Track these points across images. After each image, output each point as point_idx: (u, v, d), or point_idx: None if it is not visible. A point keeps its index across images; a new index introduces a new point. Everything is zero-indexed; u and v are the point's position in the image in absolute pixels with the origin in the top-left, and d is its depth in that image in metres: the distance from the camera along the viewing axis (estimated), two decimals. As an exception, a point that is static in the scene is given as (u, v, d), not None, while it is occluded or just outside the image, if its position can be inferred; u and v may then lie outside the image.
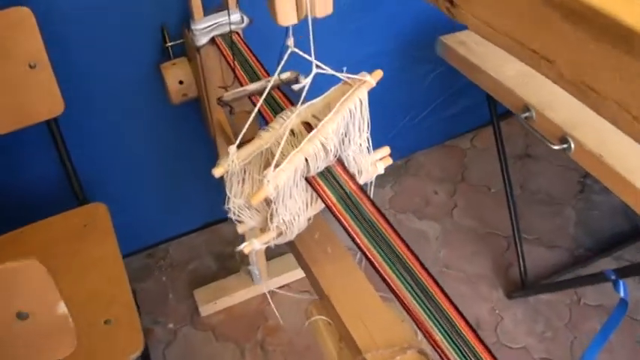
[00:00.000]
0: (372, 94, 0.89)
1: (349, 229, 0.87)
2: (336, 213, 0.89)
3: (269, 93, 1.05)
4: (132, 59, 1.41)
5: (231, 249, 1.94)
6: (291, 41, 0.81)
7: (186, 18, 1.28)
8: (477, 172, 2.23)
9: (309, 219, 0.94)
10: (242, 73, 1.10)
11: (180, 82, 1.32)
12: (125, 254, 1.28)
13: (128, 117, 1.52)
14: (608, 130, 1.25)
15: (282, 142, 0.85)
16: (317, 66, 0.82)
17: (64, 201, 1.38)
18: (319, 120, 0.90)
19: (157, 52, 1.40)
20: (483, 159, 2.28)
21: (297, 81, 1.05)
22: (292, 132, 0.90)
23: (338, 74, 0.88)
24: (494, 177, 2.17)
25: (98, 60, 1.37)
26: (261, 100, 0.92)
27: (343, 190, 0.90)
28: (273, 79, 1.04)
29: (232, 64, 1.08)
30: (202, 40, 1.20)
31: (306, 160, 0.83)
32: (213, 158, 1.52)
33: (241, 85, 1.08)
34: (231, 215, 0.93)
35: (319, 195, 0.89)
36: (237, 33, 1.22)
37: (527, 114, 1.32)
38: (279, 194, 0.82)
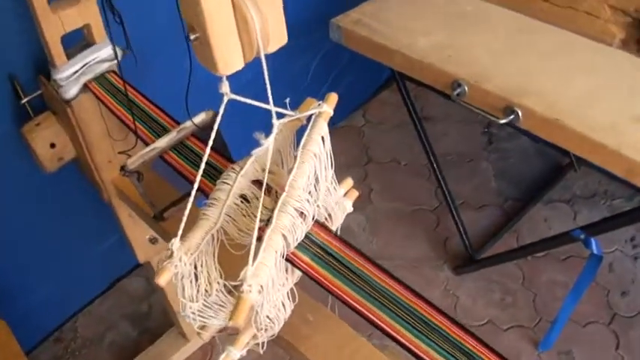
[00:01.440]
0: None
1: (332, 287, 0.68)
2: (316, 276, 0.69)
3: (185, 146, 0.82)
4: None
5: (146, 305, 1.68)
6: (226, 86, 0.60)
7: (41, 64, 0.99)
8: (381, 149, 2.10)
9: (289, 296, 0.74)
10: (143, 128, 0.85)
11: (52, 146, 1.04)
12: (31, 348, 0.99)
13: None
14: (555, 90, 1.18)
15: (243, 219, 0.64)
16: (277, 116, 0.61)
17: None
18: (274, 174, 0.70)
19: (12, 113, 1.09)
20: (382, 133, 2.16)
21: (212, 123, 0.83)
22: (244, 198, 0.69)
23: (287, 112, 0.68)
24: (399, 149, 2.07)
25: None
26: (200, 173, 0.68)
27: (317, 245, 0.71)
28: (187, 127, 0.82)
29: (133, 125, 0.83)
30: (72, 90, 0.94)
31: (284, 236, 0.62)
32: (104, 215, 1.26)
33: (145, 144, 0.84)
34: (189, 321, 0.70)
35: (294, 264, 0.69)
36: (114, 72, 0.96)
37: (458, 90, 1.19)
38: (263, 294, 0.62)
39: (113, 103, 0.91)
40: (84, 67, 0.94)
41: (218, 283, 0.68)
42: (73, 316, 1.64)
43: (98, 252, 1.54)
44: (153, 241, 1.24)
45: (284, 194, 0.63)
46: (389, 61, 1.31)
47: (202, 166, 0.65)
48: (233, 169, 0.70)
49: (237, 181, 0.68)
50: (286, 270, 0.71)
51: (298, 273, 0.73)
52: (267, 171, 0.67)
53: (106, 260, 1.57)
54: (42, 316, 1.52)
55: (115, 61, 0.96)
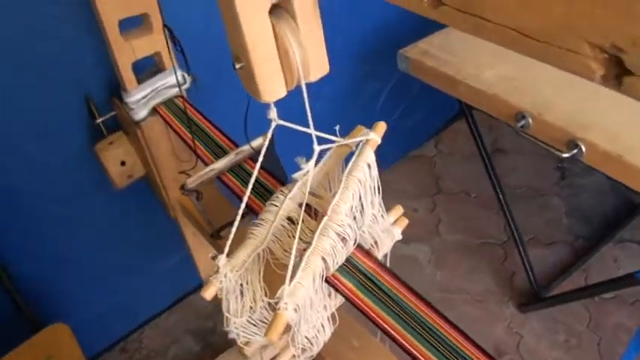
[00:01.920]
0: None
1: (374, 315, 0.68)
2: (358, 302, 0.70)
3: (242, 168, 0.86)
4: (57, 147, 1.17)
5: (211, 322, 1.72)
6: (273, 113, 0.62)
7: (114, 86, 1.06)
8: (451, 179, 2.08)
9: (329, 318, 0.75)
10: (203, 149, 0.89)
11: (123, 164, 1.11)
12: (96, 354, 1.04)
13: (70, 213, 1.28)
14: (618, 124, 1.14)
15: (290, 241, 0.66)
16: (317, 137, 0.63)
17: (13, 330, 1.13)
18: (321, 197, 0.71)
19: (87, 132, 1.17)
20: (454, 163, 2.14)
21: (271, 148, 0.86)
22: (291, 220, 0.71)
23: (334, 138, 0.69)
24: (470, 181, 2.04)
25: (19, 155, 1.14)
26: (248, 191, 0.71)
27: (362, 272, 0.72)
28: (245, 150, 0.85)
29: (192, 144, 0.87)
30: (141, 112, 1.00)
31: (324, 259, 0.64)
32: (175, 233, 1.31)
33: (205, 164, 0.88)
34: (233, 336, 0.73)
35: (337, 289, 0.70)
36: (182, 97, 1.02)
37: (522, 122, 1.17)
38: (300, 313, 0.63)
39: (178, 124, 0.96)
40: (153, 92, 0.99)
41: (262, 300, 0.70)
42: (139, 328, 1.70)
43: (166, 267, 1.60)
44: (215, 258, 1.28)
45: (325, 218, 0.65)
46: (454, 91, 1.30)
47: (250, 186, 0.68)
48: (282, 191, 0.72)
49: (285, 203, 0.70)
50: (329, 294, 0.73)
51: (341, 298, 0.74)
52: (306, 193, 0.69)
53: (175, 275, 1.63)
54: (108, 324, 1.59)
55: (185, 86, 1.01)
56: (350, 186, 0.67)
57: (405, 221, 0.82)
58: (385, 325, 0.67)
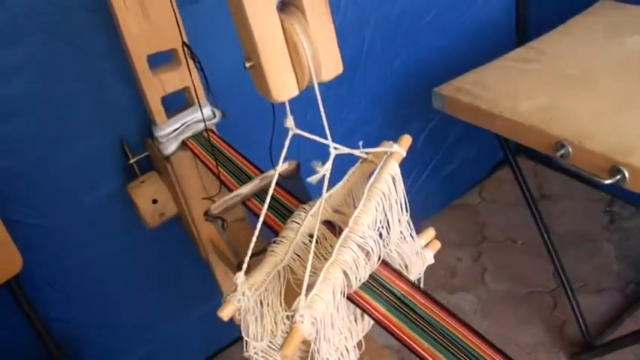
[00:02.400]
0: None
1: (408, 340, 0.64)
2: (390, 326, 0.66)
3: (265, 191, 0.84)
4: (91, 188, 1.19)
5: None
6: (290, 121, 0.61)
7: (147, 126, 1.08)
8: (496, 227, 2.02)
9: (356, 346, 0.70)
10: (228, 176, 0.88)
11: (154, 202, 1.11)
12: None
13: (103, 255, 1.28)
14: None
15: (309, 256, 0.63)
16: (335, 147, 0.61)
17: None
18: (344, 214, 0.69)
19: (121, 172, 1.18)
20: (498, 211, 2.08)
21: (297, 173, 0.84)
22: (312, 237, 0.68)
23: (356, 152, 0.67)
24: (516, 228, 1.97)
25: (53, 197, 1.15)
26: (265, 207, 0.69)
27: (393, 294, 0.68)
28: (270, 175, 0.84)
29: (216, 169, 0.86)
30: (171, 146, 1.00)
31: (345, 273, 0.61)
32: (208, 280, 1.29)
33: (229, 191, 0.86)
34: (254, 363, 0.69)
35: (365, 311, 0.66)
36: (212, 130, 1.02)
37: (562, 151, 1.13)
38: (319, 330, 0.59)
39: (204, 154, 0.95)
40: (183, 126, 1.00)
41: (284, 323, 0.67)
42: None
43: (200, 317, 1.57)
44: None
45: (346, 229, 0.62)
46: (490, 125, 1.27)
47: (268, 199, 0.65)
48: (304, 208, 0.70)
49: (307, 220, 0.68)
50: (355, 319, 0.69)
51: (367, 323, 0.70)
52: (321, 205, 0.66)
53: (209, 324, 1.59)
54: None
55: (214, 121, 1.02)
56: (373, 197, 0.64)
57: (438, 244, 0.78)
58: (420, 350, 0.63)
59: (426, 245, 0.77)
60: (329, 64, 0.54)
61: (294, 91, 0.54)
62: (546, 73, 1.37)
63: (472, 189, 2.19)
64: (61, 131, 1.10)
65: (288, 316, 0.65)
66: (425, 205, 2.01)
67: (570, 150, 1.11)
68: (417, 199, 1.92)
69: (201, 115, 1.00)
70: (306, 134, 0.62)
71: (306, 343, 0.61)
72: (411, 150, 0.66)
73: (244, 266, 0.65)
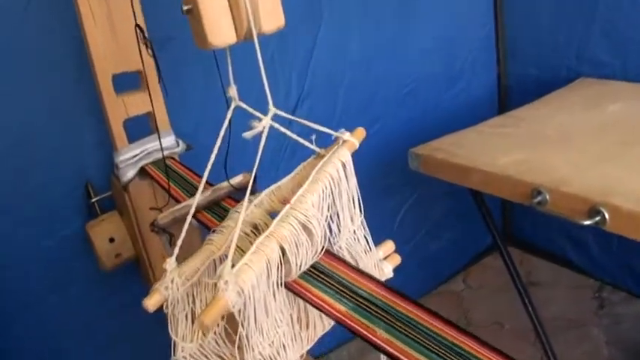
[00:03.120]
0: None
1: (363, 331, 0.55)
2: (358, 329, 0.56)
3: (220, 207, 0.79)
4: (50, 229, 1.13)
5: None
6: (233, 91, 0.58)
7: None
8: (481, 312, 1.93)
9: (302, 356, 0.63)
10: (179, 191, 0.84)
11: (111, 240, 1.05)
12: None
13: (61, 302, 1.19)
14: None
15: (240, 242, 0.57)
16: (273, 113, 0.57)
17: None
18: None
19: (82, 212, 1.13)
20: (484, 297, 2.00)
21: (253, 186, 0.80)
22: (255, 228, 0.63)
23: (308, 144, 0.64)
24: (502, 313, 1.88)
25: (5, 238, 1.09)
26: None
27: (354, 293, 0.60)
28: (222, 187, 0.80)
29: (166, 184, 0.82)
30: (129, 172, 0.96)
31: (282, 249, 0.55)
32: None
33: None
34: (184, 370, 0.61)
35: (317, 306, 0.58)
36: (173, 158, 0.99)
37: (538, 198, 1.09)
38: (248, 308, 0.52)
39: (162, 177, 0.91)
40: (143, 153, 0.97)
41: (217, 325, 0.60)
42: None
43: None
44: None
45: (287, 205, 0.57)
46: (466, 180, 1.24)
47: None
48: (249, 199, 0.65)
49: (249, 209, 0.63)
50: (300, 322, 0.62)
51: (319, 327, 0.63)
52: (282, 202, 0.62)
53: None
54: None
55: (176, 150, 0.99)
56: (319, 179, 0.59)
57: (398, 259, 0.73)
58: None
59: (385, 258, 0.71)
60: (269, 14, 0.52)
61: (231, 38, 0.51)
62: (524, 135, 1.36)
63: (456, 276, 2.12)
64: (20, 169, 1.07)
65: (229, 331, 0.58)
66: (404, 289, 1.91)
67: (547, 196, 1.08)
68: (394, 284, 1.83)
69: (164, 144, 0.97)
70: (250, 109, 0.58)
71: (234, 327, 0.54)
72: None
73: (176, 250, 0.59)
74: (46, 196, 1.11)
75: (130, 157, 0.96)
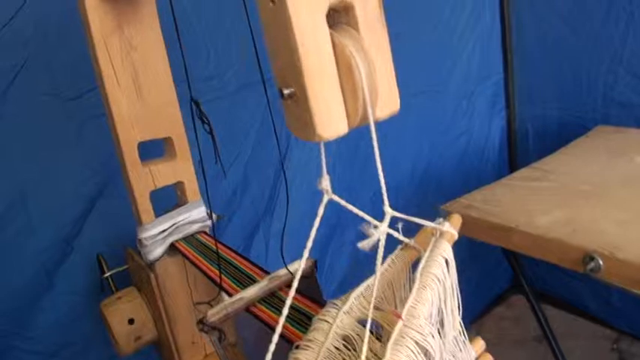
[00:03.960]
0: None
1: None
2: None
3: (277, 297, 0.69)
4: (58, 308, 1.01)
5: None
6: (326, 182, 0.48)
7: (127, 238, 0.94)
8: (504, 366, 1.84)
9: None
10: (227, 279, 0.74)
11: (131, 322, 0.93)
12: None
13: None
14: None
15: None
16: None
17: None
18: (385, 312, 0.54)
19: (94, 288, 1.02)
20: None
21: (313, 272, 0.70)
22: (348, 341, 0.53)
23: (414, 219, 0.55)
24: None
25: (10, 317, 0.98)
26: (286, 310, 0.54)
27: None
28: (280, 275, 0.70)
29: (218, 278, 0.71)
30: (157, 250, 0.85)
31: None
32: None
33: (229, 297, 0.71)
34: None
35: None
36: (205, 232, 0.89)
37: (591, 265, 1.01)
38: None
39: (198, 257, 0.81)
40: (172, 227, 0.87)
41: None
42: None
43: None
44: None
45: (400, 322, 0.47)
46: (506, 241, 1.16)
47: (286, 309, 0.50)
48: (334, 304, 0.55)
49: (339, 318, 0.53)
50: None
51: None
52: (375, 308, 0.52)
53: None
54: None
55: (207, 223, 0.89)
56: (427, 284, 0.50)
57: (490, 358, 0.63)
58: None
59: (478, 359, 0.62)
60: (385, 95, 0.43)
61: (343, 128, 0.42)
62: (557, 189, 1.29)
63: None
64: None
65: None
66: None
67: (601, 262, 1.00)
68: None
69: (193, 216, 0.87)
70: (347, 204, 0.49)
71: None
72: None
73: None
74: (54, 271, 1.00)
75: (158, 233, 0.85)
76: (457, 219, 0.57)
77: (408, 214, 0.51)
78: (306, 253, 0.49)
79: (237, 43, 1.17)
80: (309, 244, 0.49)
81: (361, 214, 0.47)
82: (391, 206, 0.49)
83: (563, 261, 1.07)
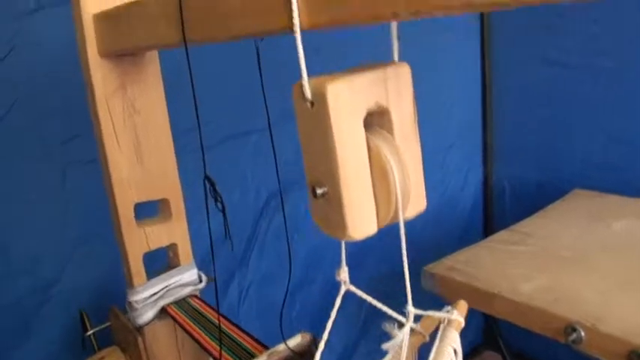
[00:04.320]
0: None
1: None
2: None
3: (275, 372, 0.68)
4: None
5: None
6: (345, 274, 0.49)
7: (111, 291, 0.92)
8: None
9: None
10: (226, 354, 0.72)
11: (113, 384, 0.91)
12: None
13: None
14: None
15: None
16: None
17: None
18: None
19: (75, 346, 0.99)
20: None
21: (310, 348, 0.70)
22: None
23: (430, 313, 0.55)
24: None
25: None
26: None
27: None
28: (279, 351, 0.69)
29: (219, 354, 0.70)
30: (147, 314, 0.84)
31: None
32: None
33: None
34: None
35: None
36: (196, 296, 0.87)
37: (573, 336, 1.03)
38: None
39: (190, 324, 0.80)
40: (163, 290, 0.85)
41: None
42: None
43: None
44: None
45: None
46: (488, 307, 1.18)
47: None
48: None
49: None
50: None
51: None
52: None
53: None
54: None
55: (199, 286, 0.87)
56: (438, 378, 0.50)
57: None
58: None
59: None
60: (415, 197, 0.44)
61: (372, 229, 0.43)
62: (538, 254, 1.32)
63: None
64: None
65: None
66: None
67: (582, 334, 1.02)
68: None
69: (185, 279, 0.85)
70: (365, 295, 0.49)
71: None
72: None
73: None
74: (34, 327, 0.97)
75: (149, 296, 0.84)
76: (463, 306, 0.58)
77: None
78: (321, 346, 0.49)
79: (222, 95, 1.20)
80: (326, 335, 0.48)
81: (385, 309, 0.47)
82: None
83: (546, 330, 1.09)
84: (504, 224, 1.50)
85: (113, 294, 1.01)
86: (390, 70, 0.42)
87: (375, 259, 1.56)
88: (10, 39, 0.97)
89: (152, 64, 0.81)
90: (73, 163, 1.07)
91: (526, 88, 1.77)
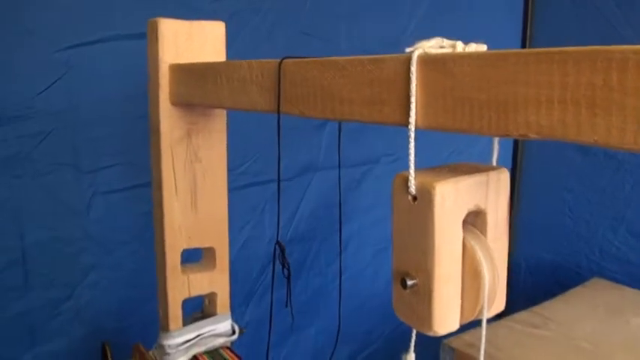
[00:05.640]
0: None
1: None
2: None
3: None
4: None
5: None
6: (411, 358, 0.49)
7: (136, 330, 0.92)
8: None
9: None
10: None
11: None
12: None
13: None
14: None
15: None
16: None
17: None
18: None
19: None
20: None
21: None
22: None
23: None
24: None
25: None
26: None
27: None
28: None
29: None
30: (178, 360, 0.83)
31: None
32: None
33: None
34: None
35: None
36: (229, 348, 0.87)
37: None
38: None
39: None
40: (197, 338, 0.85)
41: None
42: None
43: None
44: None
45: None
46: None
47: None
48: None
49: None
50: None
51: None
52: None
53: None
54: None
55: (232, 338, 0.87)
56: None
57: None
58: None
59: None
60: (497, 299, 0.45)
61: (455, 325, 0.43)
62: (558, 341, 1.31)
63: None
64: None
65: None
66: None
67: None
68: None
69: (219, 329, 0.86)
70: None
71: None
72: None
73: None
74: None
75: (182, 342, 0.84)
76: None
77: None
78: None
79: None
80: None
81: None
82: None
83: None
84: (518, 302, 1.50)
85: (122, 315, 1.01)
86: (492, 175, 0.43)
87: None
88: (58, 68, 1.00)
89: (219, 118, 0.83)
90: (101, 191, 1.10)
91: (554, 176, 1.79)
